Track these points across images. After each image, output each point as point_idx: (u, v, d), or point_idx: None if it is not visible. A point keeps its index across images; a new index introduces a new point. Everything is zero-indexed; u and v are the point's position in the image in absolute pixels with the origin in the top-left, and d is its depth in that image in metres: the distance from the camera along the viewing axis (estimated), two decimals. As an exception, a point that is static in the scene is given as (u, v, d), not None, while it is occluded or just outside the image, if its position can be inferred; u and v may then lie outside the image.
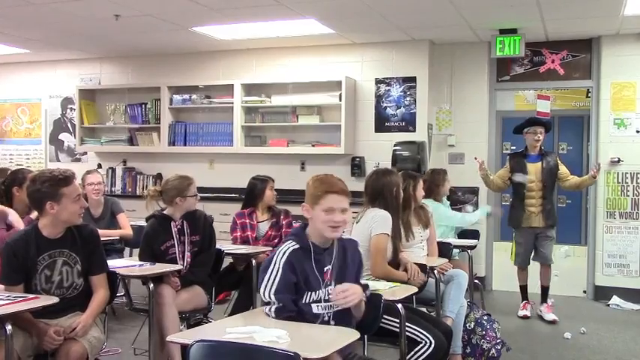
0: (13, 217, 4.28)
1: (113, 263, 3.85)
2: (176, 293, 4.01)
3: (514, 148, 11.04)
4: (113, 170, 8.29)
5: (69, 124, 8.67)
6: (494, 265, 7.41)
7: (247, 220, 5.18)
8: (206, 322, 4.21)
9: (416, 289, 3.51)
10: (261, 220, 5.21)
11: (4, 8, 5.84)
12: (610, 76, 6.70)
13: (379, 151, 7.08)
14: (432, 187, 5.62)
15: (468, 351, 4.30)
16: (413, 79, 7.08)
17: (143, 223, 4.55)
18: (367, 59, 7.29)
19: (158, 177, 7.94)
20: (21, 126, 8.98)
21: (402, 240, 3.99)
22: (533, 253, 6.06)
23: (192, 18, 6.19)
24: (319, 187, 2.78)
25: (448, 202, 6.03)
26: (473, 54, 7.13)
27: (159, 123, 7.85)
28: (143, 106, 8.00)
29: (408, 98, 7.11)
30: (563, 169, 6.04)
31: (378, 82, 7.23)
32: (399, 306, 3.20)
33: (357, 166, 7.22)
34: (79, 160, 8.60)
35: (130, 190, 8.17)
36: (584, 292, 6.96)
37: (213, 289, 4.43)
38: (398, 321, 3.26)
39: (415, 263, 3.95)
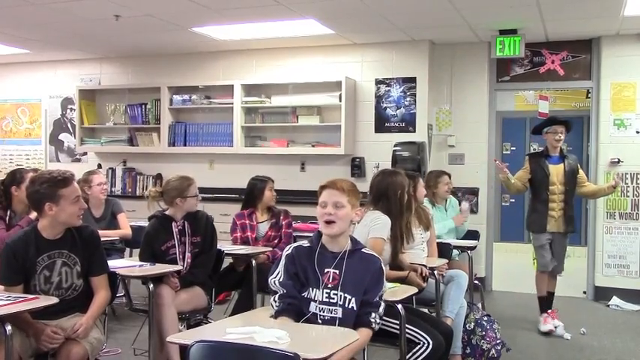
0: None
1: (113, 263, 3.86)
2: (175, 294, 4.01)
3: (514, 149, 11.06)
4: (113, 170, 8.29)
5: (69, 125, 8.67)
6: (494, 265, 7.41)
7: (247, 221, 5.18)
8: (206, 323, 4.21)
9: (416, 290, 3.51)
10: (260, 220, 5.21)
11: (4, 8, 5.84)
12: (610, 76, 6.70)
13: (379, 151, 7.08)
14: (426, 188, 5.61)
15: (467, 351, 4.30)
16: (413, 80, 7.08)
17: (143, 223, 4.56)
18: (367, 59, 7.29)
19: (158, 177, 7.95)
20: (21, 126, 8.98)
21: (403, 242, 3.96)
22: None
23: (192, 18, 6.19)
24: (320, 185, 2.90)
25: (455, 204, 5.94)
26: (473, 54, 7.14)
27: (159, 123, 7.85)
28: (143, 106, 8.00)
29: (408, 98, 7.11)
30: (581, 174, 5.78)
31: (378, 82, 7.23)
32: (399, 306, 3.20)
33: (357, 166, 7.22)
34: (79, 160, 8.60)
35: (130, 190, 8.17)
36: (584, 292, 6.96)
37: (213, 289, 4.42)
38: (397, 322, 3.26)
39: (415, 264, 3.95)
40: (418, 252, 4.40)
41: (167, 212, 4.25)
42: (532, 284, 6.85)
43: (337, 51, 7.34)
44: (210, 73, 7.83)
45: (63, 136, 8.73)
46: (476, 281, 5.93)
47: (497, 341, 4.33)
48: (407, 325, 3.34)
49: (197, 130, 7.77)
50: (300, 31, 6.66)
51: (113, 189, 8.17)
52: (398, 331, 3.28)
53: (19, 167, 5.64)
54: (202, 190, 6.61)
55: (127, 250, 5.88)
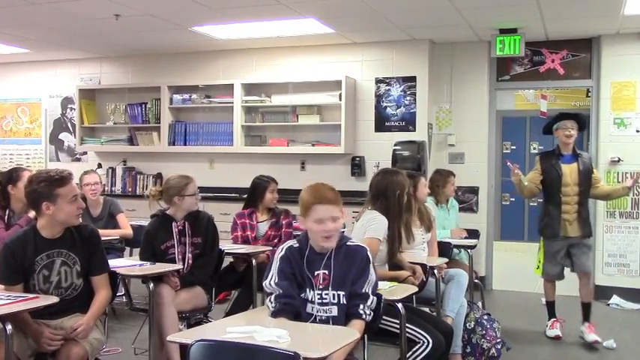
0: None
1: (113, 263, 3.85)
2: (175, 293, 4.01)
3: (514, 148, 11.06)
4: (113, 170, 8.29)
5: (69, 124, 8.66)
6: (495, 264, 7.41)
7: (247, 221, 5.18)
8: (206, 322, 4.21)
9: (416, 289, 3.52)
10: (260, 220, 5.20)
11: (4, 8, 5.84)
12: (610, 75, 6.69)
13: (379, 150, 7.08)
14: (434, 187, 5.62)
15: (468, 350, 4.30)
16: (413, 79, 7.08)
17: (144, 222, 4.56)
18: (367, 59, 7.29)
19: (158, 177, 7.95)
20: (21, 126, 8.98)
21: (401, 242, 3.95)
22: (566, 266, 5.40)
23: (193, 17, 6.19)
24: (308, 198, 2.82)
25: (456, 205, 5.94)
26: (473, 53, 7.13)
27: (159, 123, 7.85)
28: (143, 105, 8.00)
29: (408, 98, 7.11)
30: (596, 174, 5.42)
31: (378, 81, 7.23)
32: (399, 305, 3.21)
33: (357, 165, 7.22)
34: (79, 159, 8.60)
35: (130, 189, 8.17)
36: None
37: (214, 288, 4.42)
38: (397, 321, 3.26)
39: (415, 263, 3.95)
40: (419, 252, 4.40)
41: (168, 212, 4.25)
42: (532, 283, 6.88)
43: (337, 50, 7.34)
44: (211, 73, 7.83)
45: (63, 136, 8.73)
46: (476, 280, 5.92)
47: (498, 340, 4.33)
48: (407, 324, 3.34)
49: (197, 129, 7.77)
50: (301, 31, 6.66)
51: (113, 188, 8.17)
52: (398, 331, 3.28)
53: (15, 166, 5.64)
54: (202, 189, 6.64)
55: (128, 249, 5.89)
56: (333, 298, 2.81)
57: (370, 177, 6.82)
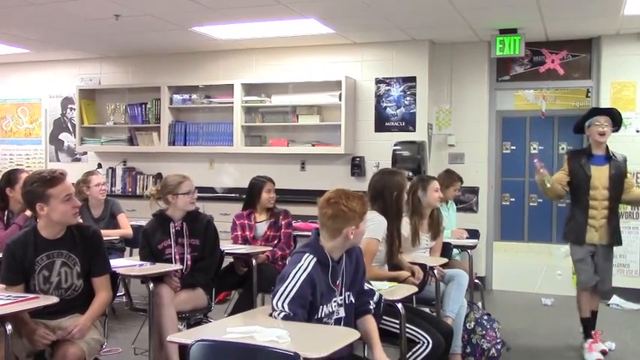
0: None
1: (114, 263, 3.85)
2: (175, 293, 4.01)
3: (514, 148, 11.06)
4: (113, 170, 8.29)
5: (69, 124, 8.66)
6: (495, 264, 7.41)
7: (245, 221, 5.17)
8: (206, 322, 4.21)
9: (416, 289, 3.52)
10: (259, 220, 5.19)
11: (4, 8, 5.84)
12: (610, 75, 6.69)
13: (379, 150, 7.08)
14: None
15: (468, 351, 4.30)
16: (413, 79, 7.08)
17: (144, 222, 4.56)
18: (367, 59, 7.29)
19: (158, 177, 7.94)
20: (21, 126, 8.98)
21: (400, 243, 3.94)
22: None
23: (192, 18, 6.19)
24: (362, 204, 2.81)
25: (453, 206, 5.91)
26: (473, 54, 7.13)
27: (159, 123, 7.85)
28: (143, 105, 8.00)
29: (408, 98, 7.11)
30: (629, 178, 4.99)
31: (378, 81, 7.23)
32: (399, 306, 3.21)
33: (357, 165, 7.22)
34: (79, 160, 8.60)
35: (130, 190, 8.17)
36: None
37: (214, 289, 4.41)
38: (397, 322, 3.26)
39: (415, 263, 3.95)
40: (419, 256, 4.40)
41: (167, 212, 4.24)
42: (532, 283, 6.89)
43: (337, 50, 7.34)
44: (211, 73, 7.83)
45: (63, 136, 8.73)
46: (476, 280, 5.92)
47: (498, 340, 4.33)
48: (407, 325, 3.34)
49: (197, 129, 7.77)
50: (301, 31, 6.66)
51: (113, 189, 8.17)
52: (398, 331, 3.28)
53: (13, 168, 5.66)
54: (202, 189, 6.64)
55: (128, 249, 5.89)
56: (344, 300, 2.83)
57: (370, 177, 6.87)
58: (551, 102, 9.93)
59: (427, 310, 4.21)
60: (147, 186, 7.97)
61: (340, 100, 7.06)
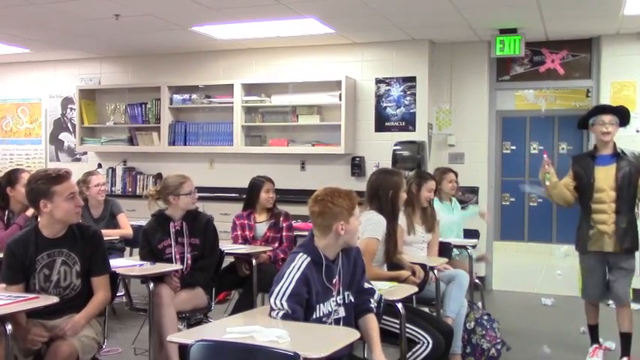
0: None
1: (114, 263, 3.85)
2: (175, 293, 4.01)
3: (514, 148, 11.06)
4: (113, 170, 8.29)
5: (69, 124, 8.66)
6: (494, 264, 7.41)
7: (245, 221, 5.16)
8: (206, 322, 4.21)
9: (416, 289, 3.52)
10: (259, 221, 5.18)
11: (4, 8, 5.84)
12: (610, 75, 6.69)
13: (379, 150, 7.08)
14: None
15: (468, 351, 4.30)
16: (413, 79, 7.08)
17: (143, 222, 4.56)
18: (367, 59, 7.29)
19: (158, 177, 7.94)
20: (21, 126, 8.98)
21: (397, 244, 3.93)
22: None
23: (192, 18, 6.19)
24: (349, 200, 2.83)
25: (458, 205, 5.81)
26: (473, 53, 7.14)
27: (159, 123, 7.85)
28: (143, 105, 8.00)
29: (407, 98, 7.11)
30: None
31: (378, 81, 7.23)
32: (399, 305, 3.21)
33: (357, 165, 7.22)
34: (79, 159, 8.60)
35: (130, 190, 8.17)
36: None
37: (213, 288, 4.42)
38: (397, 321, 3.26)
39: (415, 263, 3.95)
40: (416, 251, 4.41)
41: (167, 212, 4.25)
42: (532, 283, 6.88)
43: (337, 50, 7.34)
44: (211, 73, 7.83)
45: (63, 136, 8.73)
46: (476, 280, 5.91)
47: (498, 340, 4.33)
48: (407, 325, 3.34)
49: (197, 129, 7.77)
50: (301, 31, 6.66)
51: (113, 188, 8.17)
52: (398, 331, 3.28)
53: (14, 168, 5.67)
54: (202, 189, 6.63)
55: (128, 249, 5.89)
56: (342, 300, 2.84)
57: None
58: (551, 102, 9.93)
59: (427, 310, 4.21)
60: (147, 186, 7.97)
61: (340, 100, 7.06)
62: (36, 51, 7.96)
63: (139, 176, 8.20)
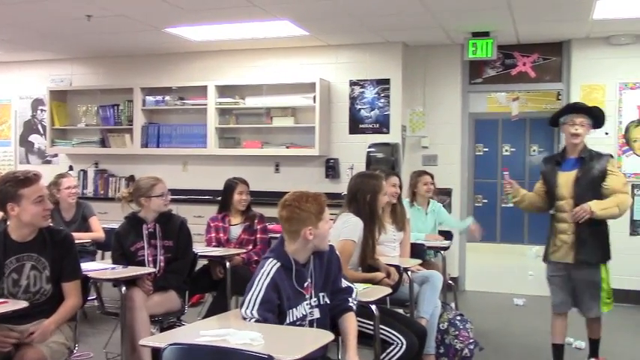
0: None
1: (85, 266, 3.80)
2: (148, 296, 3.98)
3: (487, 150, 11.17)
4: (85, 172, 8.19)
5: (39, 126, 8.54)
6: (467, 265, 7.47)
7: (220, 224, 5.14)
8: (179, 326, 4.17)
9: (390, 290, 3.53)
10: (233, 223, 5.16)
11: (-27, 7, 5.75)
12: (580, 78, 6.80)
13: (353, 152, 7.10)
14: (409, 187, 5.64)
15: (441, 351, 4.33)
16: (387, 81, 7.11)
17: (116, 225, 4.52)
18: (341, 61, 7.30)
19: (131, 179, 7.86)
20: (-10, 127, 8.83)
21: (374, 247, 3.94)
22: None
23: (166, 19, 6.14)
24: (317, 204, 2.79)
25: (437, 209, 5.76)
26: (446, 56, 7.20)
27: (131, 124, 7.78)
28: (115, 107, 7.92)
29: (381, 100, 7.14)
30: (610, 182, 4.12)
31: (352, 83, 7.25)
32: (373, 307, 3.22)
33: (331, 167, 7.23)
34: (49, 162, 8.48)
35: (102, 192, 8.08)
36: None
37: (187, 291, 4.38)
38: (371, 323, 3.27)
39: (389, 264, 3.97)
40: (388, 250, 4.42)
41: (139, 214, 4.21)
42: (504, 283, 6.93)
43: (311, 52, 7.35)
44: (184, 74, 7.78)
45: (33, 138, 8.60)
46: (449, 281, 5.96)
47: (471, 341, 4.37)
48: (381, 326, 3.35)
49: (170, 131, 7.72)
50: (275, 33, 6.66)
51: (85, 191, 8.07)
52: (372, 332, 3.29)
53: None
54: (175, 191, 6.57)
55: (100, 252, 5.83)
56: (317, 301, 2.84)
57: (344, 179, 6.91)
58: (523, 104, 10.06)
59: (401, 311, 4.23)
60: (119, 188, 7.89)
61: (314, 102, 7.07)
62: (5, 52, 7.84)
63: (111, 178, 8.11)
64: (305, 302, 2.78)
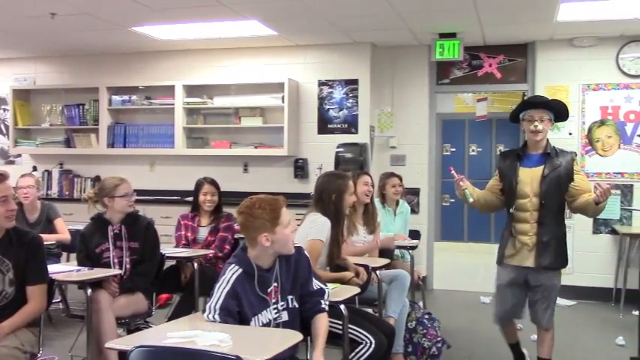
0: None
1: (50, 268, 3.73)
2: (114, 298, 3.93)
3: (454, 150, 11.29)
4: (49, 173, 8.05)
5: (2, 126, 8.38)
6: (435, 264, 7.54)
7: (190, 222, 5.11)
8: (146, 328, 4.13)
9: (358, 290, 3.54)
10: (203, 224, 5.13)
11: None
12: (544, 80, 6.91)
13: (322, 152, 7.10)
14: (379, 188, 5.66)
15: (409, 350, 4.36)
16: (355, 82, 7.14)
17: (81, 227, 4.45)
18: (310, 61, 7.31)
19: (97, 179, 7.75)
20: (-50, 127, 8.62)
21: (340, 247, 3.94)
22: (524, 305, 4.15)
23: (132, 18, 6.07)
24: (271, 210, 2.74)
25: (406, 210, 5.78)
26: (413, 57, 7.25)
27: (97, 124, 7.68)
28: (81, 107, 7.81)
29: (350, 100, 7.16)
30: (579, 181, 3.89)
31: (320, 84, 7.26)
32: (342, 307, 3.22)
33: (300, 167, 7.23)
34: (12, 162, 8.32)
35: (67, 193, 7.95)
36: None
37: (154, 293, 4.34)
38: (340, 322, 3.27)
39: (357, 264, 3.98)
40: (361, 258, 4.43)
41: (105, 215, 4.16)
42: (471, 282, 6.99)
43: (280, 52, 7.34)
44: (151, 74, 7.70)
45: (-5, 138, 8.44)
46: (418, 281, 6.00)
47: (438, 339, 4.41)
48: (350, 325, 3.36)
49: (137, 131, 7.64)
50: (243, 32, 6.63)
51: (49, 192, 7.94)
52: (341, 332, 3.29)
53: None
54: (143, 192, 6.51)
55: (65, 254, 5.74)
56: (284, 304, 2.82)
57: (313, 179, 6.90)
58: (489, 105, 10.19)
59: (370, 310, 4.25)
60: (84, 189, 7.80)
61: (283, 102, 7.06)
62: (-34, 49, 7.68)
63: (76, 179, 7.99)
64: (271, 307, 2.77)
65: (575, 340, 5.38)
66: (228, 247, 5.00)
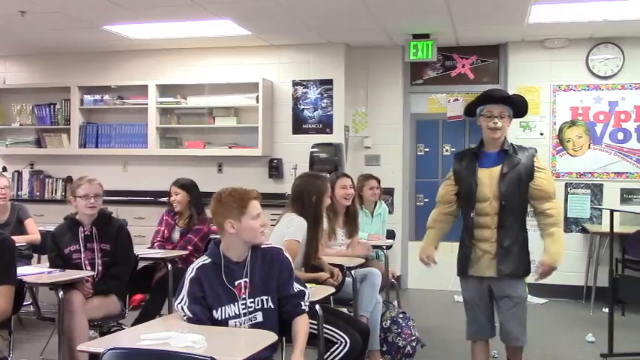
0: None
1: (21, 270, 3.67)
2: (86, 300, 3.88)
3: (427, 150, 11.35)
4: (19, 173, 7.93)
5: (-30, 125, 8.22)
6: (409, 264, 7.59)
7: (170, 220, 5.10)
8: (119, 330, 4.09)
9: (333, 290, 3.55)
10: (180, 225, 5.10)
11: None
12: (516, 81, 7.00)
13: (297, 152, 7.10)
14: (357, 191, 5.67)
15: (384, 349, 4.39)
16: (329, 82, 7.15)
17: (52, 228, 4.40)
18: (284, 61, 7.30)
19: (68, 180, 7.65)
20: None
21: (317, 248, 3.94)
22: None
23: (104, 16, 6.00)
24: (239, 199, 2.78)
25: (384, 212, 5.77)
26: (388, 58, 7.29)
27: (69, 124, 7.59)
28: (52, 106, 7.71)
29: (324, 100, 7.17)
30: (540, 181, 3.56)
31: (295, 84, 7.26)
32: (317, 307, 3.23)
33: (274, 167, 7.22)
34: (-19, 162, 8.18)
35: (38, 194, 7.83)
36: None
37: (127, 294, 4.30)
38: (315, 322, 3.27)
39: (332, 264, 3.99)
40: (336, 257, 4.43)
41: (77, 216, 4.11)
42: (445, 281, 7.04)
43: (254, 52, 7.32)
44: (124, 73, 7.62)
45: (-36, 138, 8.27)
46: (392, 280, 6.02)
47: (413, 338, 4.44)
48: (325, 325, 3.36)
49: (110, 131, 7.56)
50: (217, 32, 6.60)
51: (20, 193, 7.81)
52: (316, 332, 3.30)
53: None
54: (115, 192, 6.44)
55: (36, 256, 5.65)
56: (258, 304, 2.80)
57: (288, 179, 6.91)
58: (462, 105, 10.25)
59: (345, 310, 4.26)
60: (56, 190, 7.70)
61: (257, 102, 7.04)
62: None
63: (47, 180, 7.88)
64: (239, 302, 2.75)
65: (546, 337, 5.46)
66: (190, 248, 4.93)
